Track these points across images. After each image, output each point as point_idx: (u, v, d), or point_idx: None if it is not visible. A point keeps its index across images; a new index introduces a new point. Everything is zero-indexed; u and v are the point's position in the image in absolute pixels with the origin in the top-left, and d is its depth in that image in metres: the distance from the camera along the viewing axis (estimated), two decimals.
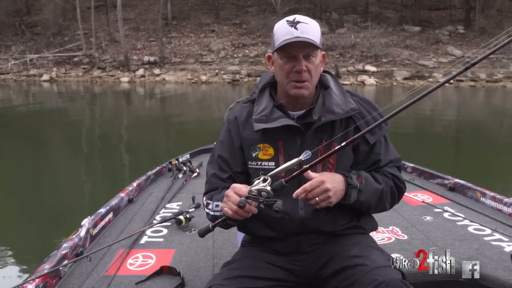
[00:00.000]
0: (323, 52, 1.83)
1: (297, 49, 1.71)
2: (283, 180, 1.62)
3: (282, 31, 1.74)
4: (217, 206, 1.80)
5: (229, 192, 1.66)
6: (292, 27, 1.72)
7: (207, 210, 1.88)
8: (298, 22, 1.73)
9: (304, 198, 1.65)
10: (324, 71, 1.93)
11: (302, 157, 1.60)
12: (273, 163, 1.82)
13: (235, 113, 1.96)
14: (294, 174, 1.63)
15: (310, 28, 1.73)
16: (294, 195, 1.64)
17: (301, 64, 1.72)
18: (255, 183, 1.62)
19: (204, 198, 1.93)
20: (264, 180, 1.61)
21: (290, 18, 1.76)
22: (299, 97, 1.79)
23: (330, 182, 1.65)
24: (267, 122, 1.81)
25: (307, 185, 1.63)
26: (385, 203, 1.82)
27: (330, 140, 1.80)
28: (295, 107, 1.84)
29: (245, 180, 1.90)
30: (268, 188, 1.59)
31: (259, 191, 1.58)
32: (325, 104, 1.82)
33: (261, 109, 1.85)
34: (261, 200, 1.57)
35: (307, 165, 1.63)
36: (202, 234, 1.78)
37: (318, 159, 1.65)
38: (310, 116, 1.81)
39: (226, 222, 1.73)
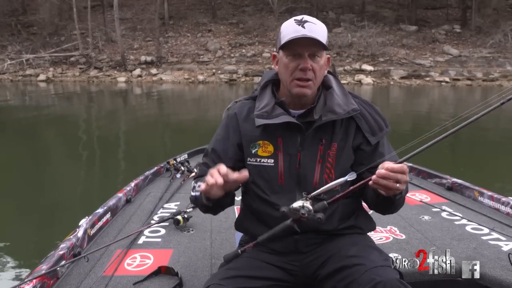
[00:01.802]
0: (328, 56, 1.84)
1: (302, 47, 1.72)
2: (325, 202, 1.61)
3: (289, 29, 1.74)
4: (199, 186, 1.79)
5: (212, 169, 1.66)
6: (299, 25, 1.72)
7: (191, 193, 1.90)
8: (306, 21, 1.73)
9: (394, 177, 1.51)
10: (327, 72, 1.93)
11: (348, 177, 1.59)
12: (272, 160, 1.82)
13: (235, 110, 1.96)
14: (337, 196, 1.63)
15: (317, 28, 1.73)
16: (388, 168, 1.50)
17: (306, 62, 1.72)
18: (296, 202, 1.61)
19: (192, 182, 1.95)
20: (306, 200, 1.60)
21: (298, 17, 1.76)
22: (302, 96, 1.79)
23: None
24: (268, 118, 1.81)
25: (405, 167, 1.52)
26: (403, 201, 1.78)
27: (330, 139, 1.81)
28: (297, 106, 1.85)
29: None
30: (310, 206, 1.58)
31: (301, 206, 1.58)
32: (327, 104, 1.83)
33: (263, 106, 1.85)
34: (303, 212, 1.57)
35: (352, 187, 1.63)
36: (228, 260, 1.74)
37: (352, 187, 1.63)
38: (311, 115, 1.81)
39: (202, 202, 1.76)
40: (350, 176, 1.59)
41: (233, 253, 1.67)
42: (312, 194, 1.61)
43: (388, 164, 1.51)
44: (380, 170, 1.51)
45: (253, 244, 1.66)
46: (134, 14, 37.44)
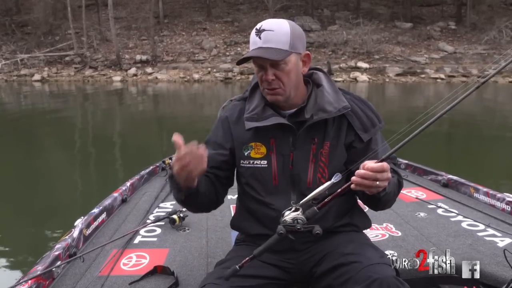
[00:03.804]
0: (306, 52, 1.80)
1: (261, 59, 1.71)
2: (315, 207, 1.59)
3: (251, 39, 1.75)
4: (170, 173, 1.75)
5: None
6: (257, 36, 1.72)
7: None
8: (263, 30, 1.71)
9: (373, 177, 1.50)
10: (317, 69, 1.91)
11: (333, 179, 1.56)
12: (265, 162, 1.82)
13: (226, 112, 1.95)
14: (326, 200, 1.60)
15: (274, 35, 1.70)
16: (367, 167, 1.49)
17: (267, 74, 1.72)
18: (286, 213, 1.59)
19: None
20: (296, 210, 1.59)
21: (259, 25, 1.74)
22: (275, 102, 1.80)
23: None
24: (258, 121, 1.80)
25: (385, 166, 1.51)
26: (395, 197, 1.79)
27: (322, 138, 1.80)
28: (286, 106, 1.83)
29: (224, 177, 1.90)
30: (302, 216, 1.57)
31: (294, 219, 1.57)
32: (317, 102, 1.81)
33: (253, 107, 1.84)
34: (298, 227, 1.56)
35: (339, 190, 1.59)
36: (228, 277, 1.66)
37: (341, 188, 1.60)
38: (302, 115, 1.80)
39: (177, 192, 1.72)
40: (335, 178, 1.57)
41: (232, 270, 1.61)
42: (301, 202, 1.60)
43: (368, 164, 1.50)
44: (359, 170, 1.50)
45: (250, 258, 1.62)
46: (129, 13, 37.33)
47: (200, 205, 1.87)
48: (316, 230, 1.56)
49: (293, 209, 1.60)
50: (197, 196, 1.74)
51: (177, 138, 1.54)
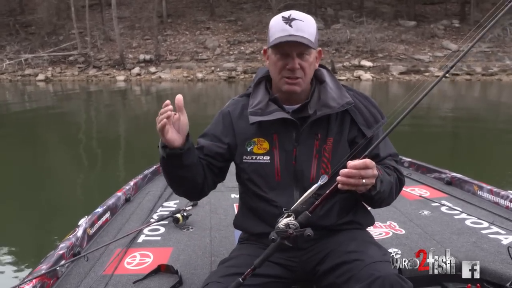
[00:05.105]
0: (319, 49, 1.83)
1: (290, 47, 1.70)
2: (307, 212, 1.59)
3: (277, 27, 1.73)
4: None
5: None
6: (287, 24, 1.71)
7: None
8: (293, 19, 1.72)
9: (357, 174, 1.50)
10: (320, 66, 1.92)
11: (320, 182, 1.57)
12: (268, 157, 1.82)
13: (229, 107, 1.95)
14: (316, 203, 1.60)
15: (305, 26, 1.72)
16: (350, 165, 1.49)
17: (294, 63, 1.71)
18: (280, 220, 1.61)
19: None
20: (288, 216, 1.60)
21: (286, 14, 1.75)
22: (291, 93, 1.79)
23: None
24: (262, 115, 1.80)
25: (368, 162, 1.52)
26: (393, 195, 1.78)
27: (325, 134, 1.80)
28: (290, 101, 1.84)
29: (216, 166, 1.89)
30: (294, 221, 1.58)
31: (287, 225, 1.58)
32: (321, 98, 1.82)
33: (257, 102, 1.84)
34: (291, 232, 1.57)
35: (327, 191, 1.58)
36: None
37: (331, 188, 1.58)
38: (306, 110, 1.81)
39: (160, 148, 1.73)
40: (322, 180, 1.57)
41: (235, 283, 1.60)
42: (292, 208, 1.61)
43: (351, 162, 1.50)
44: (343, 169, 1.51)
45: (251, 270, 1.62)
46: (132, 12, 37.37)
47: (181, 180, 1.80)
48: (307, 233, 1.57)
49: (285, 215, 1.61)
50: (180, 162, 1.72)
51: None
